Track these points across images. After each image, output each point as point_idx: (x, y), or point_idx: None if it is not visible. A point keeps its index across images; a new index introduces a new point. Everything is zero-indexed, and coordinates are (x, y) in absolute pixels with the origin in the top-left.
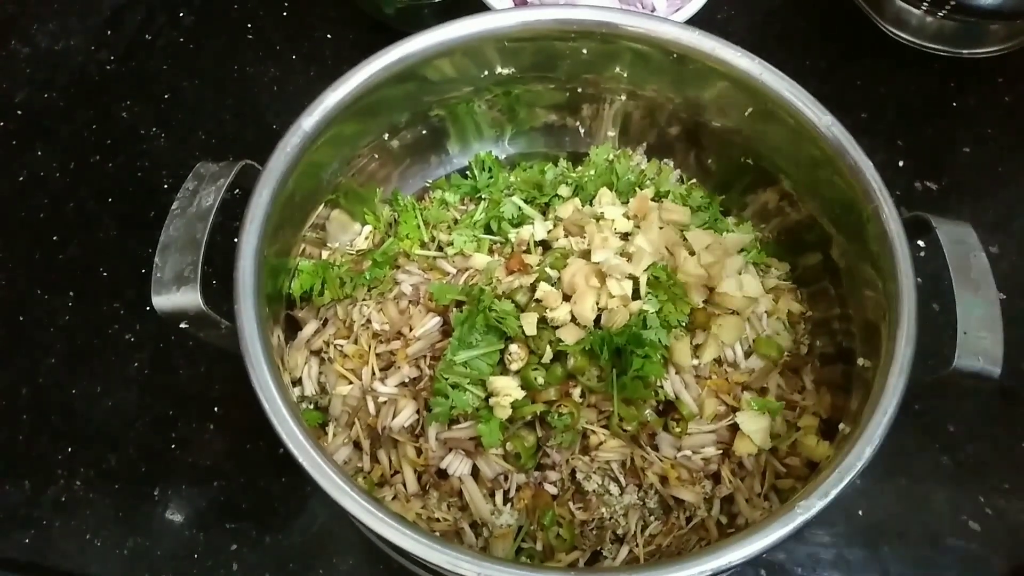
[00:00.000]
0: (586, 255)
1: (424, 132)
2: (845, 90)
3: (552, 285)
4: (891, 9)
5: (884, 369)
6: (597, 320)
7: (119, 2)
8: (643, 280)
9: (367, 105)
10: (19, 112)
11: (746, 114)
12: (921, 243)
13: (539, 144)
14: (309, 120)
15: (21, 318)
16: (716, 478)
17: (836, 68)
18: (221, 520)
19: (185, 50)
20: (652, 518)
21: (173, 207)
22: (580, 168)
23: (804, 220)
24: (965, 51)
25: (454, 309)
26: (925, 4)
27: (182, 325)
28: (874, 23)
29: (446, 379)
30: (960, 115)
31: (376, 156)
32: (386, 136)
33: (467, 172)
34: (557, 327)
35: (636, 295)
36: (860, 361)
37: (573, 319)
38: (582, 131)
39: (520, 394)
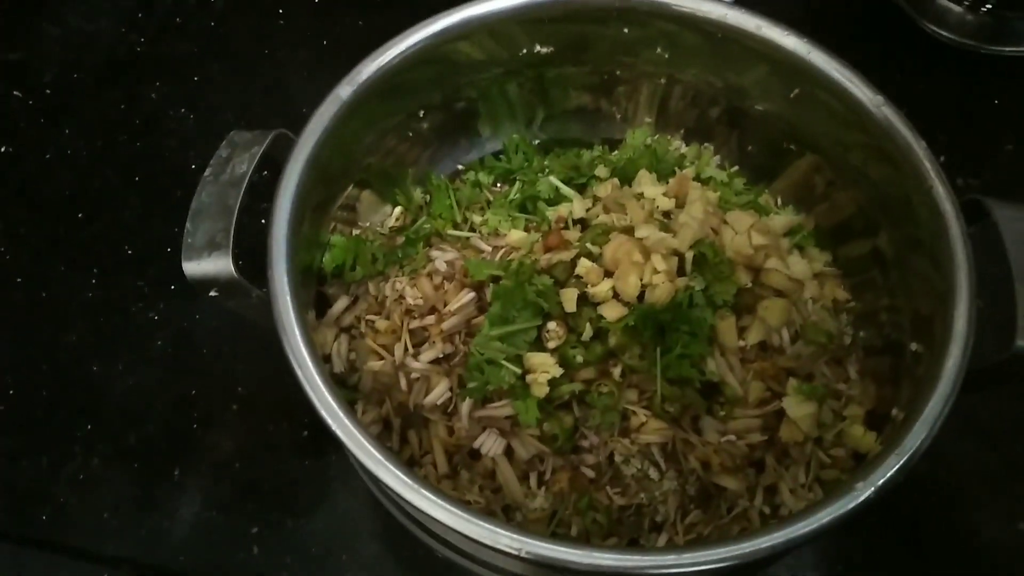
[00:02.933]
0: (628, 231)
1: (456, 113)
2: (884, 86)
3: (593, 261)
4: (931, 6)
5: (940, 353)
6: (640, 298)
7: None
8: (688, 257)
9: (401, 83)
10: (48, 91)
11: (791, 96)
12: None
13: (573, 130)
14: (346, 89)
15: (44, 294)
16: (759, 466)
17: (875, 65)
18: (242, 502)
19: (215, 34)
20: (692, 506)
21: (206, 174)
22: (617, 152)
23: (850, 207)
24: (1007, 48)
25: (491, 284)
26: (967, 0)
27: (212, 293)
28: (914, 20)
29: (482, 354)
30: (1002, 112)
31: (409, 135)
32: (420, 114)
33: (500, 155)
34: (598, 304)
35: (681, 273)
36: (913, 346)
37: (615, 296)
38: (618, 116)
39: (558, 371)
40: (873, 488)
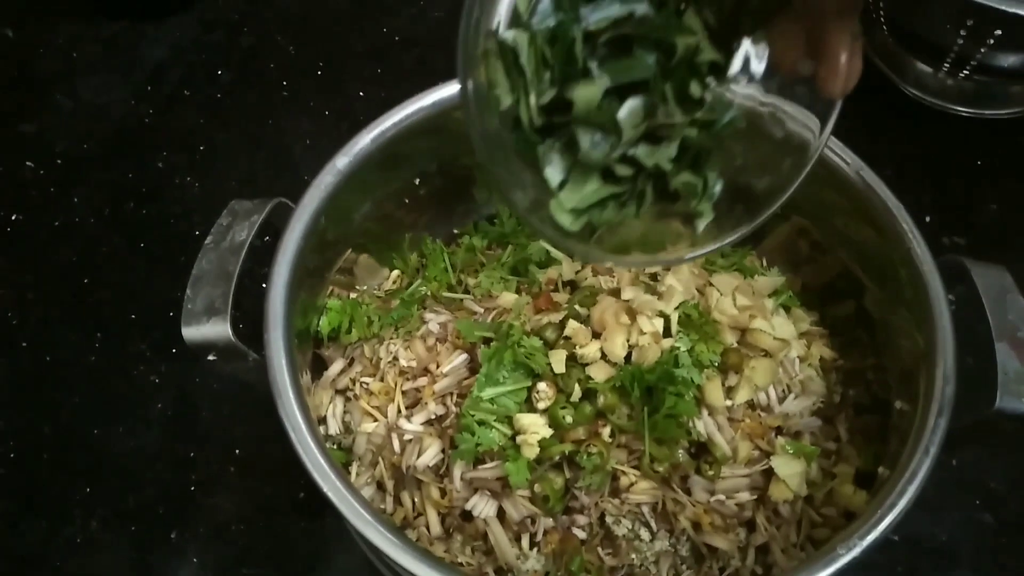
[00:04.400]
0: (615, 293)
1: (452, 180)
2: (869, 149)
3: (581, 322)
4: (911, 71)
5: (924, 409)
6: (627, 358)
7: (160, 60)
8: (674, 318)
9: (397, 153)
10: (59, 161)
11: None
12: (951, 296)
13: None
14: (343, 160)
15: (48, 358)
16: (750, 526)
17: (859, 128)
18: (239, 564)
19: (222, 105)
20: (684, 567)
21: (207, 241)
22: None
23: (835, 268)
24: (987, 111)
25: (481, 346)
26: (946, 65)
27: (210, 357)
28: (896, 85)
29: (472, 416)
30: (985, 173)
31: (406, 201)
32: (417, 181)
33: (494, 220)
34: (586, 364)
35: (667, 334)
36: (898, 404)
37: (603, 356)
38: None
39: (548, 432)
40: (860, 547)
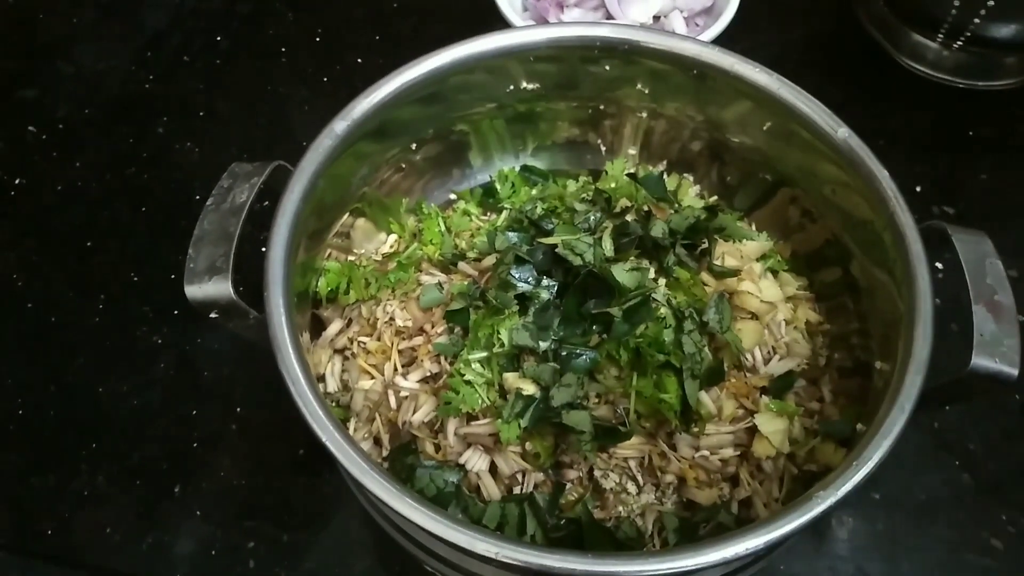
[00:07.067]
0: None
1: (448, 146)
2: (862, 119)
3: None
4: (907, 42)
5: (902, 368)
6: None
7: (159, 26)
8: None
9: (394, 118)
10: (60, 126)
11: (764, 129)
12: (939, 264)
13: (560, 161)
14: (341, 124)
15: (53, 319)
16: (734, 481)
17: (853, 99)
18: (239, 518)
19: (221, 71)
20: None
21: (208, 203)
22: (599, 183)
23: (823, 235)
24: (981, 83)
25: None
26: (940, 36)
27: (212, 315)
28: (891, 56)
29: (462, 375)
30: (977, 144)
31: (402, 166)
32: (413, 146)
33: (489, 186)
34: None
35: None
36: (878, 364)
37: None
38: (603, 148)
39: (535, 390)
40: (835, 496)
